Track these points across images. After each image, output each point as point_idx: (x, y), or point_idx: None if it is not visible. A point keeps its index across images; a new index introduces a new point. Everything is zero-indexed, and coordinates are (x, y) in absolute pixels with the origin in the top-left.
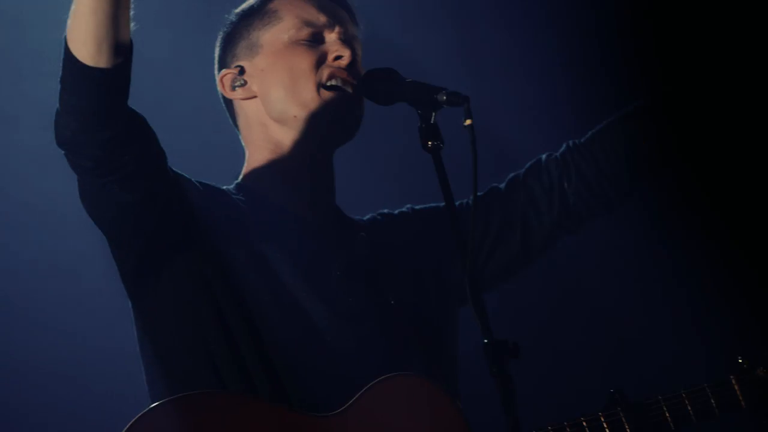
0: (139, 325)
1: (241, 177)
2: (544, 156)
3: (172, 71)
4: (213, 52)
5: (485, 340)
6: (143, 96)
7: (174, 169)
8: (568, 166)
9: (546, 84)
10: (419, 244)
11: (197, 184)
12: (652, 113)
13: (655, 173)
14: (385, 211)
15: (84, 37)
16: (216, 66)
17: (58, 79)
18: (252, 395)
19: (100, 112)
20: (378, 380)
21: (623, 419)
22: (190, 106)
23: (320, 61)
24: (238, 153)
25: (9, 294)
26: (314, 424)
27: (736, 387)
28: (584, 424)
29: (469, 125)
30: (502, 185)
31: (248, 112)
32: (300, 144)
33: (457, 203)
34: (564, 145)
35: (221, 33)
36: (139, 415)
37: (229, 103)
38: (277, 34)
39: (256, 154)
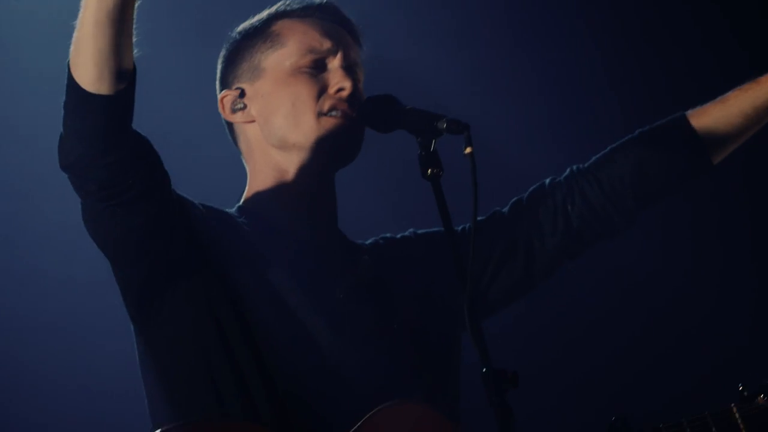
0: (142, 348)
1: (243, 200)
2: (547, 180)
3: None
4: (214, 71)
5: (484, 369)
6: (145, 116)
7: (177, 191)
8: (572, 190)
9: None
10: (422, 268)
11: (200, 207)
12: (656, 139)
13: (659, 198)
14: (388, 235)
15: (86, 64)
16: (218, 84)
17: (62, 104)
18: (254, 423)
19: (104, 136)
20: (381, 407)
21: None
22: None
23: (322, 91)
24: (240, 174)
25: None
26: None
27: (737, 416)
28: None
29: (469, 153)
30: (505, 209)
31: (249, 135)
32: (300, 170)
33: (459, 228)
34: (568, 170)
35: (224, 50)
36: None
37: (230, 124)
38: (280, 59)
39: (257, 177)
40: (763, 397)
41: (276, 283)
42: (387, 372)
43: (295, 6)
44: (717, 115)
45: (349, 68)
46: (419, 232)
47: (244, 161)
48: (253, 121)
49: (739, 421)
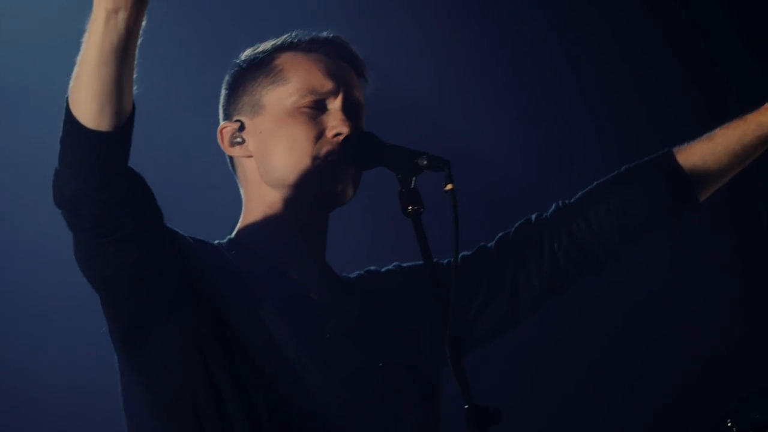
0: (126, 381)
1: (235, 231)
2: (534, 216)
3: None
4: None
5: (466, 406)
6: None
7: (168, 225)
8: (558, 228)
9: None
10: (408, 303)
11: (191, 241)
12: (642, 176)
13: (645, 235)
14: (372, 268)
15: (87, 100)
16: (220, 110)
17: (59, 139)
18: None
19: (100, 173)
20: None
21: None
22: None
23: (320, 134)
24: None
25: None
26: None
27: None
28: None
29: (450, 189)
30: (491, 244)
31: (246, 169)
32: (293, 209)
33: (445, 261)
34: (554, 206)
35: (228, 76)
36: None
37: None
38: (281, 97)
39: (251, 211)
40: None
41: (265, 321)
42: (374, 412)
43: (302, 39)
44: (704, 152)
45: (349, 110)
46: (404, 265)
47: (240, 191)
48: (251, 156)
49: None
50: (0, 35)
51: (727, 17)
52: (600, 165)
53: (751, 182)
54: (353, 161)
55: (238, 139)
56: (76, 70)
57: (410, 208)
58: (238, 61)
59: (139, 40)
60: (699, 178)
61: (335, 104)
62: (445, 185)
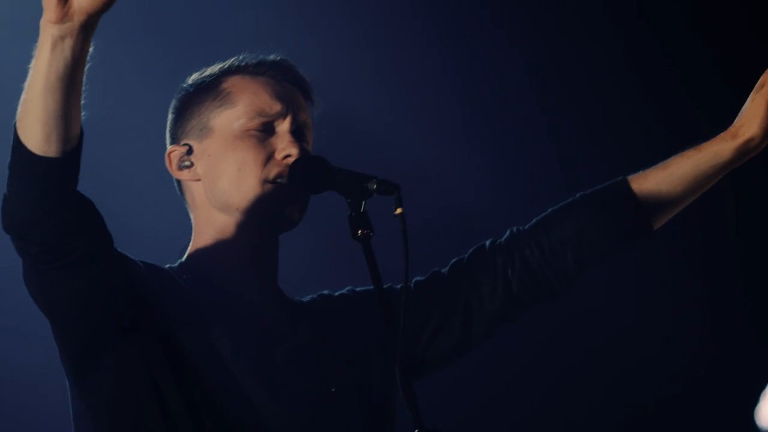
0: (76, 404)
1: (185, 256)
2: (488, 242)
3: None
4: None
5: (416, 431)
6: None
7: (118, 249)
8: (512, 254)
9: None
10: (361, 327)
11: (141, 265)
12: (597, 203)
13: (599, 262)
14: (325, 292)
15: (34, 126)
16: (167, 134)
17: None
18: None
19: (48, 198)
20: None
21: None
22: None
23: (269, 157)
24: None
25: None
26: None
27: None
28: None
29: (399, 214)
30: (445, 270)
31: (194, 192)
32: (242, 233)
33: (398, 286)
34: (508, 232)
35: (174, 101)
36: None
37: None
38: (228, 120)
39: (200, 235)
40: None
41: (216, 346)
42: None
43: (249, 62)
44: (658, 180)
45: (297, 132)
46: (357, 289)
47: (190, 215)
48: (199, 180)
49: None
50: None
51: (691, 37)
52: (556, 191)
53: (723, 204)
54: (302, 185)
55: (187, 163)
56: (23, 96)
57: (360, 232)
58: (185, 85)
59: (87, 67)
60: (653, 205)
61: (284, 126)
62: (395, 209)
